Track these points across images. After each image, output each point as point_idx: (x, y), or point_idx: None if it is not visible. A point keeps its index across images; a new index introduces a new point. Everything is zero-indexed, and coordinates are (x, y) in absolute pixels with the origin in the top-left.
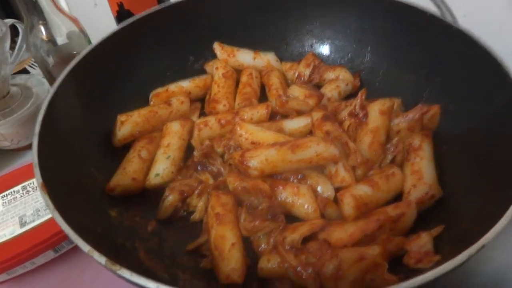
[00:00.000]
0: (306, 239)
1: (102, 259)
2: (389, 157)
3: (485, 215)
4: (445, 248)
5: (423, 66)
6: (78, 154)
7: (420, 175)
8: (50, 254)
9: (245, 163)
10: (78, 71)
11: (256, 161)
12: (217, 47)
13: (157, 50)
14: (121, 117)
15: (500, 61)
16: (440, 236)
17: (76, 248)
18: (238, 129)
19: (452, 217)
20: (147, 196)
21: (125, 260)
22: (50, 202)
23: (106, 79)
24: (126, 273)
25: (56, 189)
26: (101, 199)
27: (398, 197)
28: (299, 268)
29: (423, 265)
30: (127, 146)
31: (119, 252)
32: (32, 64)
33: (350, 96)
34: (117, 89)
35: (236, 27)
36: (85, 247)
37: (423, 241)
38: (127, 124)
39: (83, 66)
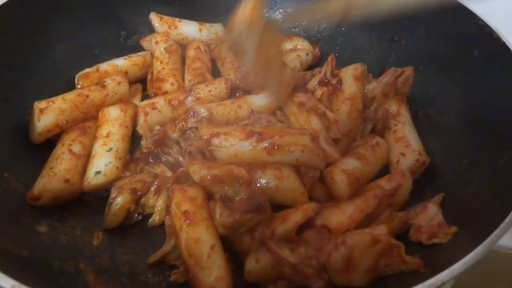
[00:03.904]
0: (299, 229)
1: None
2: (369, 126)
3: (481, 175)
4: (452, 219)
5: (386, 28)
6: None
7: (407, 142)
8: None
9: (210, 150)
10: None
11: (223, 154)
12: (154, 17)
13: (78, 23)
14: (39, 104)
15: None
16: (442, 206)
17: None
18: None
19: (447, 184)
20: (86, 202)
21: None
22: None
23: (11, 57)
24: None
25: None
26: (22, 211)
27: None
28: (299, 265)
29: (440, 240)
30: (50, 143)
31: (58, 280)
32: None
33: (310, 67)
34: (30, 71)
35: None
36: (6, 282)
37: (432, 212)
38: (49, 112)
39: None
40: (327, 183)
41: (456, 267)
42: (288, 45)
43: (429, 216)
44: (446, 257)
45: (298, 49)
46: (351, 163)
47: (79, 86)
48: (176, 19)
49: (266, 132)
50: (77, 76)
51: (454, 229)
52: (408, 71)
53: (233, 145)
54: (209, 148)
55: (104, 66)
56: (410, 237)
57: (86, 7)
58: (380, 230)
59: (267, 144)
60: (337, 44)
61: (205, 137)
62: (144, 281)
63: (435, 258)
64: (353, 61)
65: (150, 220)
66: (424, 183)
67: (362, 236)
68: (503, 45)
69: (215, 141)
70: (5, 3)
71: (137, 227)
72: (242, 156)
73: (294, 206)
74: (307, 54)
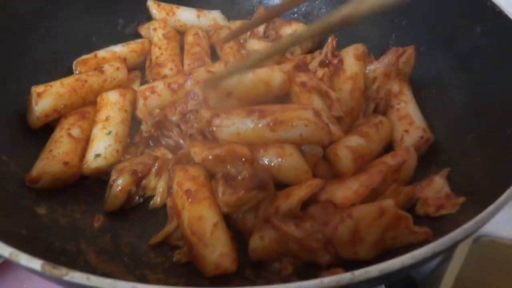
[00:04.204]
0: (304, 205)
1: (35, 263)
2: (372, 106)
3: (487, 148)
4: (459, 192)
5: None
6: None
7: (410, 120)
8: None
9: (211, 130)
10: None
11: (225, 133)
12: (152, 4)
13: (75, 10)
14: (37, 88)
15: None
16: (449, 180)
17: None
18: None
19: (452, 160)
20: (85, 185)
21: (69, 267)
22: None
23: (9, 44)
24: (80, 277)
25: None
26: (21, 194)
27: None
28: (305, 240)
29: (448, 210)
30: (48, 129)
31: (59, 258)
32: None
33: (310, 52)
34: (27, 57)
35: None
36: (4, 249)
37: (438, 184)
38: (47, 96)
39: None
40: (330, 160)
41: (469, 225)
42: (287, 30)
43: (435, 188)
44: (456, 226)
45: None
46: (354, 140)
47: (76, 72)
48: (174, 6)
49: (267, 109)
50: (75, 62)
51: (462, 199)
52: (410, 50)
53: (234, 123)
54: (211, 129)
55: (102, 53)
56: (417, 211)
57: None
58: (387, 203)
59: (269, 120)
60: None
61: (206, 118)
62: (147, 261)
63: (444, 229)
64: (355, 42)
65: (151, 202)
66: (429, 160)
67: (369, 208)
68: (505, 18)
69: (216, 121)
70: None
71: (138, 210)
72: (244, 134)
73: (296, 184)
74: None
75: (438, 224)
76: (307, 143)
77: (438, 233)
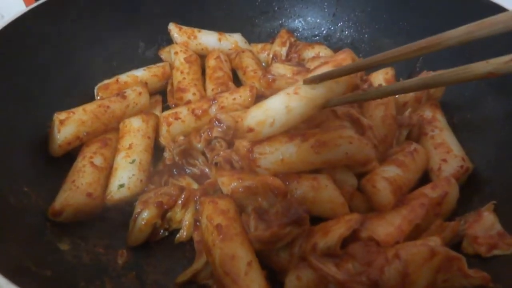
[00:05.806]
0: (343, 242)
1: None
2: (404, 132)
3: None
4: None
5: (411, 34)
6: (1, 169)
7: (447, 148)
8: None
9: (253, 159)
10: None
11: (269, 161)
12: (173, 28)
13: (97, 34)
14: (59, 115)
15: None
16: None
17: None
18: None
19: (498, 191)
20: (108, 217)
21: None
22: None
23: (29, 69)
24: None
25: None
26: (43, 228)
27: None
28: (348, 283)
29: (503, 251)
30: (69, 156)
31: None
32: None
33: None
34: (47, 82)
35: (192, 7)
36: None
37: (488, 220)
38: (70, 123)
39: None
40: (367, 192)
41: None
42: (310, 53)
43: (485, 225)
44: None
45: (320, 57)
46: (391, 170)
47: (98, 97)
48: (196, 29)
49: (308, 132)
50: (96, 87)
51: None
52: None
53: (277, 149)
54: (252, 157)
55: (123, 77)
56: (465, 249)
57: (103, 20)
58: (434, 242)
59: (313, 142)
60: (360, 51)
61: (246, 148)
62: None
63: (500, 272)
64: (379, 67)
65: (177, 236)
66: (470, 191)
67: (418, 248)
68: None
69: (258, 149)
70: (21, 18)
71: (162, 244)
72: (289, 160)
73: (333, 218)
74: None
75: (492, 265)
76: (353, 162)
77: (495, 276)
